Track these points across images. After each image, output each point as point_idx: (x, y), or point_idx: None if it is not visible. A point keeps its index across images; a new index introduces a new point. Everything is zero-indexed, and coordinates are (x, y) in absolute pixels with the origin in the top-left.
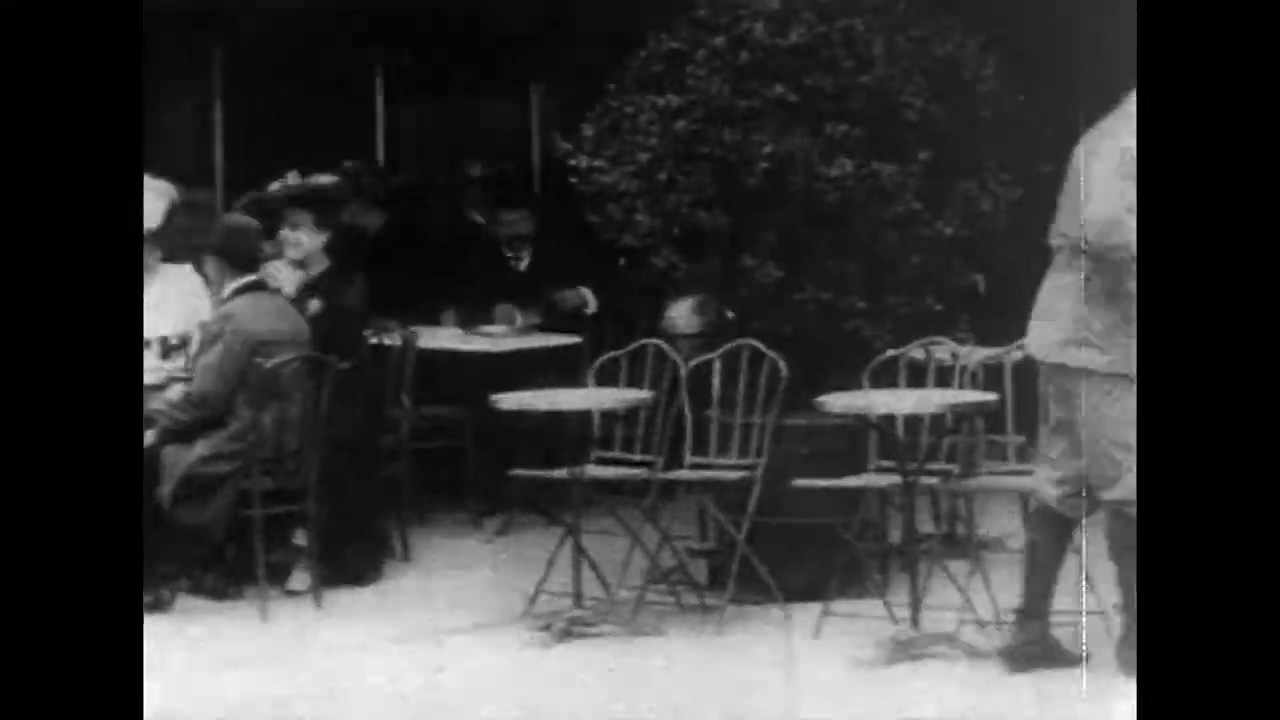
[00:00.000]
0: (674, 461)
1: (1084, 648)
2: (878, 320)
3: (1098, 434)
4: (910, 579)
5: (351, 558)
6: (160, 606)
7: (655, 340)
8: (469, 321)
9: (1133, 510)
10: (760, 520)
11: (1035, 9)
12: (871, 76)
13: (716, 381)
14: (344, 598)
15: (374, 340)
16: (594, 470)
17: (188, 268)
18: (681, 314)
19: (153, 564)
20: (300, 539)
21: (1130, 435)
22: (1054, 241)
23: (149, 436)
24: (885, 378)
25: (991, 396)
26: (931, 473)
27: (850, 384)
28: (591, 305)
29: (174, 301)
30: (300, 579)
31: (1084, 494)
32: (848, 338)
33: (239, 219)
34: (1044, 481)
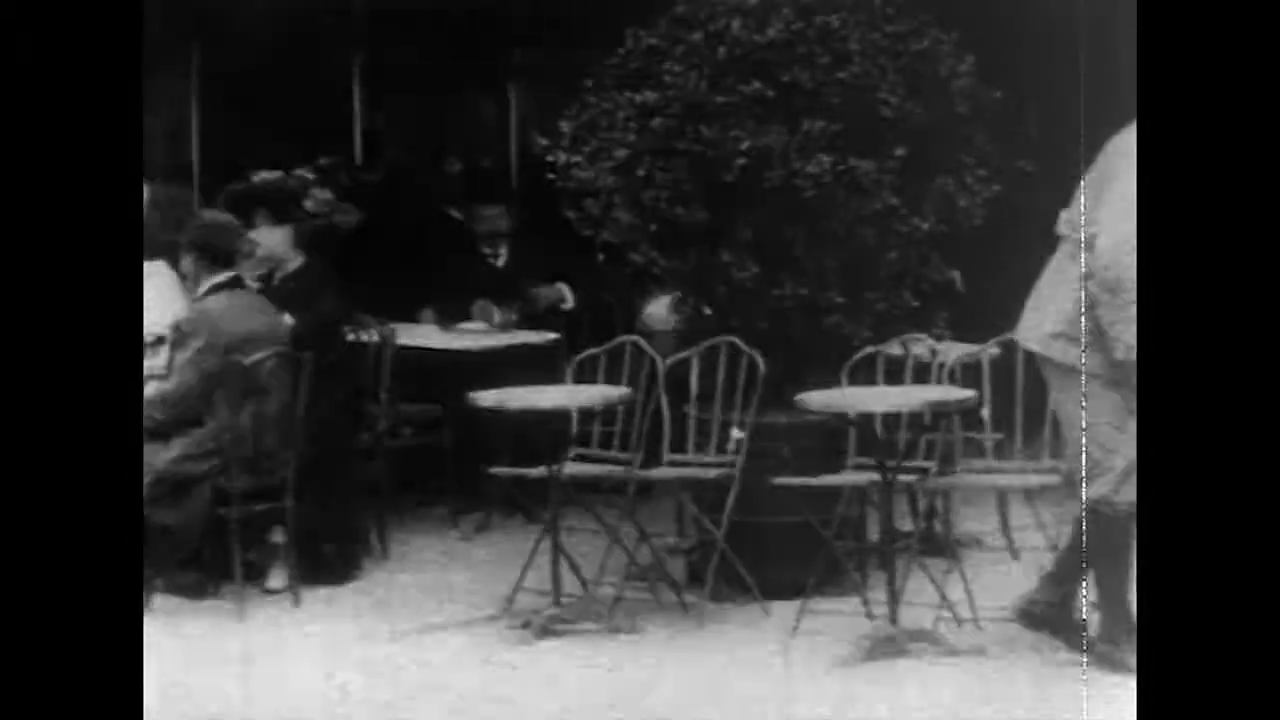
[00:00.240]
0: (652, 459)
1: (1085, 636)
2: (856, 316)
3: (1077, 430)
4: (888, 576)
5: (330, 556)
6: None
7: (633, 337)
8: (447, 318)
9: (1110, 509)
10: (738, 518)
11: (1010, 4)
12: (848, 72)
13: (695, 378)
14: (322, 596)
15: (351, 337)
16: (572, 468)
17: (162, 264)
18: (659, 310)
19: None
20: (278, 537)
21: (1110, 435)
22: (1062, 230)
23: None
24: (864, 374)
25: (970, 394)
26: (910, 470)
27: (829, 381)
28: (569, 301)
29: (149, 299)
30: (278, 577)
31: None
32: (826, 334)
33: (216, 216)
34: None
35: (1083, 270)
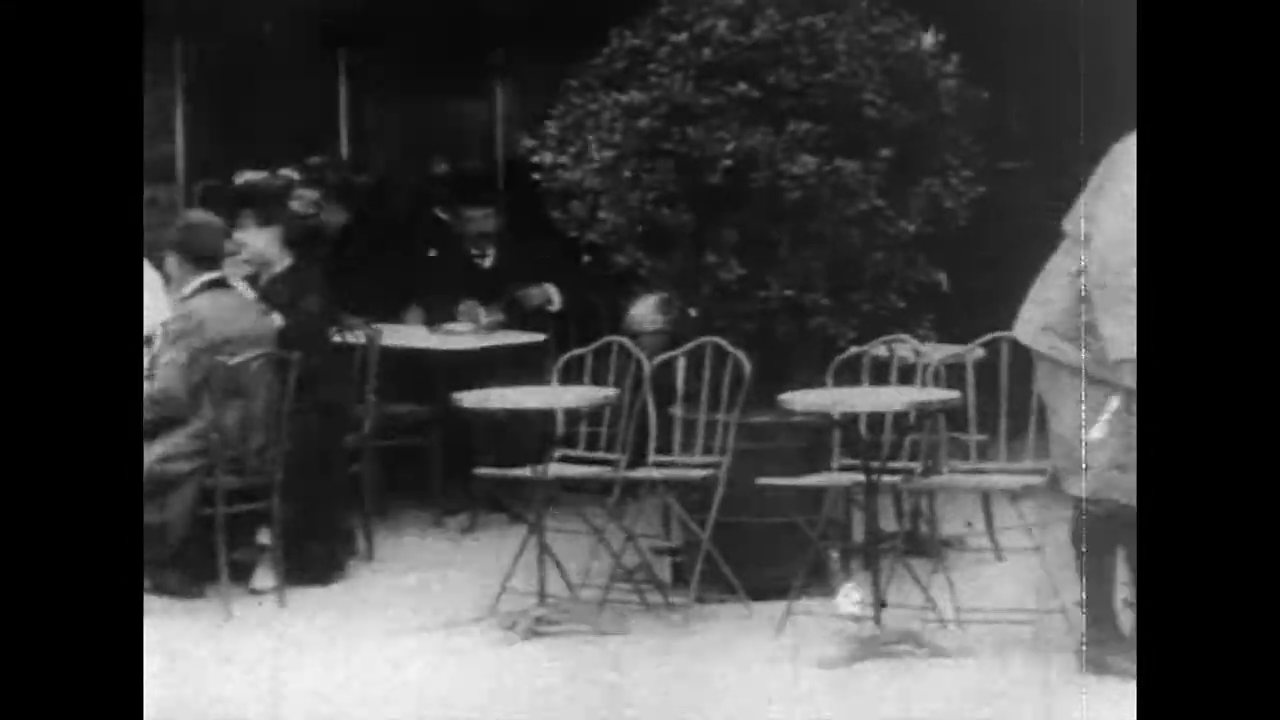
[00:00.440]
0: (638, 460)
1: (1083, 641)
2: (841, 318)
3: (1062, 426)
4: (873, 577)
5: (315, 556)
6: None
7: (619, 338)
8: (433, 319)
9: (1095, 507)
10: (724, 519)
11: (997, 5)
12: (834, 74)
13: (680, 379)
14: (308, 596)
15: (338, 338)
16: (558, 468)
17: (145, 265)
18: (645, 311)
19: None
20: (264, 537)
21: (1093, 433)
22: (1067, 226)
23: None
24: (849, 375)
25: (954, 394)
26: (894, 471)
27: (814, 381)
28: (556, 302)
29: None
30: (264, 577)
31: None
32: (811, 335)
33: (201, 216)
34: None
35: (1080, 266)
